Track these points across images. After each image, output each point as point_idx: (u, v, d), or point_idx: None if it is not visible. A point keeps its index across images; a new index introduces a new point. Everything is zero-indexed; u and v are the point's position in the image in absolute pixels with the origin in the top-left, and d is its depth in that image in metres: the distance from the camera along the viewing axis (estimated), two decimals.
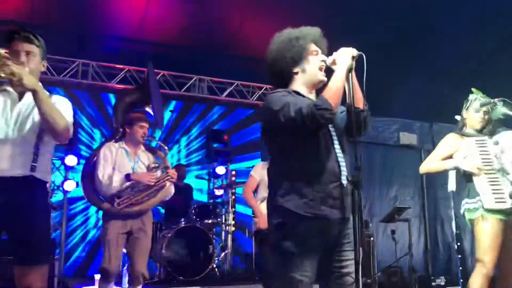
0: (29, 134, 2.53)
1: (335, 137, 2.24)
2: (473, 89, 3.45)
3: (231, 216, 6.06)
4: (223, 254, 5.85)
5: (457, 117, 3.53)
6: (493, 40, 6.31)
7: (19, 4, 6.34)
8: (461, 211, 3.35)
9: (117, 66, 6.74)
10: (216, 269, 5.49)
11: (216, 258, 5.49)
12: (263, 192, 4.01)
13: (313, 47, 2.29)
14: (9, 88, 2.55)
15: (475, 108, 3.36)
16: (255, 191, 4.14)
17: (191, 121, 7.36)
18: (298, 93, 2.24)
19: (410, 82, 6.52)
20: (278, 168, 2.23)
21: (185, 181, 6.30)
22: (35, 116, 2.54)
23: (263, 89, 7.40)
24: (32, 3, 6.24)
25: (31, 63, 2.53)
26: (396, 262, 5.94)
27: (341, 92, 2.14)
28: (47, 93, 2.54)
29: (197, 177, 6.97)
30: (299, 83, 2.29)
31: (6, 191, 2.46)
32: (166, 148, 3.97)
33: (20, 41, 2.53)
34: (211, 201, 6.41)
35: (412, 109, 7.33)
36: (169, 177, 3.71)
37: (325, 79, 2.26)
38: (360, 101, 2.23)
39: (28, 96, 2.56)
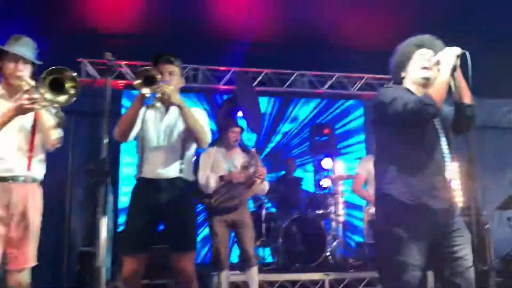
0: (176, 142, 2.94)
1: (441, 132, 2.41)
2: None
3: (340, 206, 6.24)
4: (334, 243, 6.04)
5: None
6: None
7: (133, 17, 6.96)
8: None
9: (222, 68, 7.14)
10: (329, 257, 5.72)
11: (328, 247, 5.70)
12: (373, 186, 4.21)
13: (417, 53, 2.48)
14: (158, 104, 2.98)
15: None
16: (364, 186, 4.38)
17: (294, 115, 7.61)
18: (409, 90, 2.44)
19: None
20: (385, 157, 2.44)
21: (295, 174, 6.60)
22: (180, 126, 2.94)
23: (364, 80, 7.44)
24: (147, 16, 6.83)
25: (173, 81, 2.93)
26: None
27: (445, 90, 2.30)
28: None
29: (304, 170, 7.23)
30: (408, 85, 2.49)
31: (163, 191, 2.88)
32: (254, 149, 4.38)
33: (163, 63, 2.93)
34: (321, 192, 6.61)
35: None
36: (258, 175, 4.11)
37: (427, 75, 2.43)
38: (467, 97, 2.37)
39: (173, 110, 2.97)
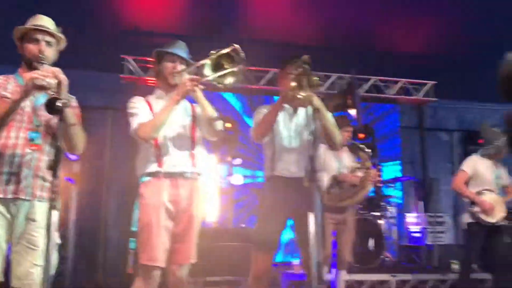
0: (306, 141, 2.93)
1: None
2: None
3: (393, 209, 6.31)
4: (390, 244, 6.09)
5: None
6: None
7: (176, 15, 6.89)
8: None
9: (264, 69, 7.13)
10: (387, 258, 5.75)
11: (387, 248, 5.74)
12: (475, 186, 4.28)
13: None
14: (285, 105, 2.95)
15: None
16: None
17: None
18: None
19: None
20: None
21: None
22: (310, 127, 2.93)
23: (399, 83, 7.52)
24: (188, 15, 6.78)
25: None
26: None
27: None
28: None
29: None
30: None
31: (297, 189, 2.85)
32: (369, 150, 4.27)
33: (295, 66, 2.88)
34: (376, 194, 6.63)
35: None
36: (369, 177, 4.06)
37: None
38: None
39: (301, 110, 2.96)
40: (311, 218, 2.30)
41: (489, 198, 4.22)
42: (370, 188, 4.18)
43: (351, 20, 6.92)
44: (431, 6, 6.46)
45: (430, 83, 7.52)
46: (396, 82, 7.55)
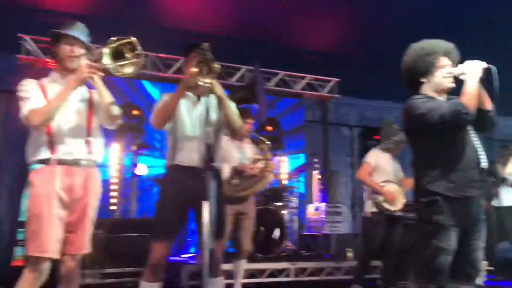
0: (210, 131, 2.94)
1: (471, 130, 2.68)
2: None
3: (294, 199, 6.53)
4: (292, 234, 6.31)
5: None
6: None
7: None
8: None
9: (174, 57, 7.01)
10: (288, 247, 5.95)
11: (288, 238, 5.94)
12: (378, 177, 4.57)
13: (442, 61, 2.69)
14: (189, 93, 2.94)
15: None
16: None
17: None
18: (432, 98, 2.66)
19: None
20: (425, 160, 2.64)
21: None
22: (213, 115, 2.94)
23: (305, 79, 7.79)
24: None
25: None
26: None
27: (476, 98, 2.54)
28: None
29: None
30: (428, 90, 2.71)
31: (198, 178, 2.85)
32: (269, 143, 4.41)
33: (198, 53, 2.87)
34: (273, 186, 6.81)
35: None
36: (269, 168, 4.20)
37: (453, 85, 2.68)
38: (487, 104, 2.64)
39: (204, 99, 2.97)
40: (205, 207, 2.31)
41: (391, 188, 4.51)
42: (270, 179, 4.31)
43: (262, 14, 7.01)
44: (338, 6, 6.74)
45: (334, 80, 7.87)
46: (303, 77, 7.81)
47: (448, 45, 2.76)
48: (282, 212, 5.95)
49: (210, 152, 2.54)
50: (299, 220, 6.82)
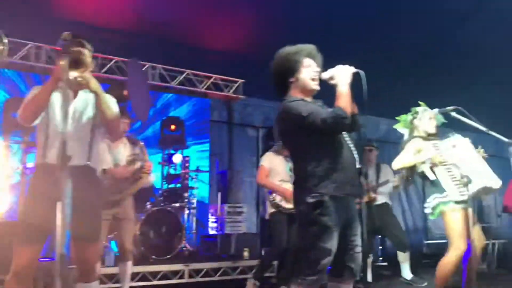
0: (85, 128, 2.79)
1: (345, 133, 2.80)
2: (420, 102, 4.09)
3: (193, 200, 6.45)
4: (189, 235, 6.22)
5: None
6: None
7: None
8: (430, 205, 3.75)
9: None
10: (185, 248, 5.87)
11: (185, 239, 5.85)
12: (274, 179, 4.73)
13: (306, 61, 2.80)
14: (63, 86, 2.77)
15: (428, 117, 3.93)
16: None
17: None
18: (303, 100, 2.75)
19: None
20: (307, 162, 2.67)
21: None
22: (89, 112, 2.80)
23: (212, 79, 7.76)
24: None
25: None
26: None
27: (350, 102, 2.65)
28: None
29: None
30: (297, 91, 2.80)
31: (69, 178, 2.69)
32: (142, 143, 4.28)
33: (78, 46, 2.74)
34: (170, 185, 6.70)
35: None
36: (144, 170, 4.09)
37: (318, 87, 2.80)
38: (354, 107, 2.74)
39: (82, 94, 2.82)
40: (58, 207, 2.16)
41: (288, 187, 4.57)
42: (148, 180, 4.21)
43: (168, 11, 6.88)
44: (245, 6, 6.77)
45: (240, 81, 7.91)
46: (209, 77, 7.77)
47: (311, 47, 2.86)
48: (181, 212, 5.87)
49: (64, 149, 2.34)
50: (199, 221, 6.77)
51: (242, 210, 6.73)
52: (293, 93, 2.80)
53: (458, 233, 3.59)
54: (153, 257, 5.36)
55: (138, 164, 4.00)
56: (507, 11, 5.94)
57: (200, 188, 7.23)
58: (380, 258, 7.81)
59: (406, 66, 7.48)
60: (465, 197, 3.55)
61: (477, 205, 10.16)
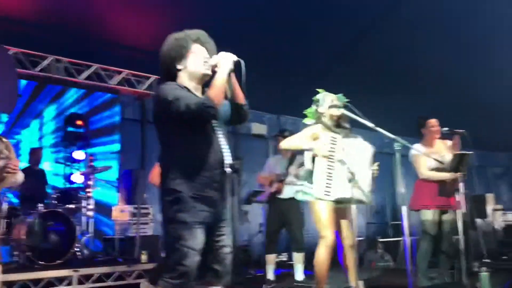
0: None
1: (218, 129, 2.64)
2: (319, 90, 4.03)
3: (91, 201, 6.13)
4: (84, 238, 5.88)
5: (308, 113, 4.09)
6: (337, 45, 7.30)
7: None
8: (298, 189, 3.83)
9: None
10: (78, 253, 5.54)
11: (77, 243, 5.54)
12: None
13: (194, 46, 2.64)
14: None
15: (330, 100, 3.87)
16: None
17: (45, 102, 7.10)
18: (186, 88, 2.58)
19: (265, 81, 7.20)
20: (169, 155, 2.53)
21: (41, 165, 6.17)
22: None
23: (122, 74, 7.44)
24: None
25: None
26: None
27: (223, 91, 2.53)
28: None
29: (55, 161, 6.82)
30: (185, 79, 2.63)
31: None
32: (6, 140, 3.90)
33: None
34: (71, 185, 6.36)
35: (262, 102, 8.10)
36: (8, 169, 3.70)
37: (208, 72, 2.62)
38: (241, 98, 2.67)
39: None
40: None
41: None
42: (13, 180, 3.81)
43: (75, 2, 6.53)
44: (158, 2, 6.54)
45: (153, 77, 7.64)
46: (119, 72, 7.45)
47: (200, 32, 2.70)
48: (75, 214, 5.56)
49: None
50: (99, 223, 6.46)
51: (148, 211, 6.48)
52: (180, 80, 2.62)
53: (322, 222, 3.65)
54: (41, 262, 5.01)
55: (1, 162, 3.63)
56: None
57: (105, 188, 6.91)
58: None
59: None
60: (330, 198, 3.60)
61: (391, 204, 10.57)
